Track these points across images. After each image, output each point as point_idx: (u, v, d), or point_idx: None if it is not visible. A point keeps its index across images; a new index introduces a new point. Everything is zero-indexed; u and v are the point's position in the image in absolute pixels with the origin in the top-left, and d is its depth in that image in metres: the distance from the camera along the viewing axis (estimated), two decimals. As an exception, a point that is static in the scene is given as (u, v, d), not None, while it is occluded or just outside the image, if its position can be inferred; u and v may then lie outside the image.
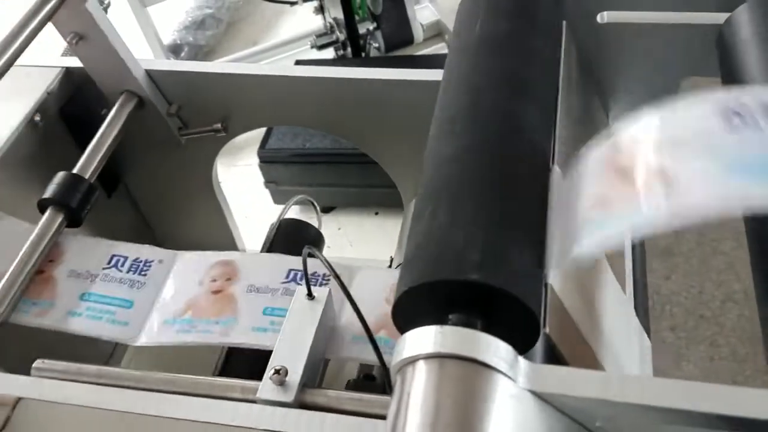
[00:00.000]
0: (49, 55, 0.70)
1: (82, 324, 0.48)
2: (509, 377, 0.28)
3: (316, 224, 0.70)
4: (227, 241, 0.82)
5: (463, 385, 0.27)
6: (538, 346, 0.36)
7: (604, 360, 0.38)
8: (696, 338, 1.05)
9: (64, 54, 0.69)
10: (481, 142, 0.35)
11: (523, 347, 0.32)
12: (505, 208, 0.33)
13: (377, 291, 0.47)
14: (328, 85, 0.61)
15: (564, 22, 0.49)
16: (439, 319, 0.31)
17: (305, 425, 0.36)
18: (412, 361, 0.29)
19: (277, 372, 0.39)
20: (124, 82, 0.63)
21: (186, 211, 0.80)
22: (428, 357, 0.28)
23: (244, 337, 0.45)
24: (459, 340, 0.28)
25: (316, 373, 0.42)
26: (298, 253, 0.52)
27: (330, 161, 0.90)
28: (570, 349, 0.34)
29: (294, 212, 1.00)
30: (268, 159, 0.93)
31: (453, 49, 0.44)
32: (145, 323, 0.47)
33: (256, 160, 0.97)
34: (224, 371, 0.52)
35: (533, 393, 0.28)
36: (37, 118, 0.62)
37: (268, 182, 0.96)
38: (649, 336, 0.49)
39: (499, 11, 0.43)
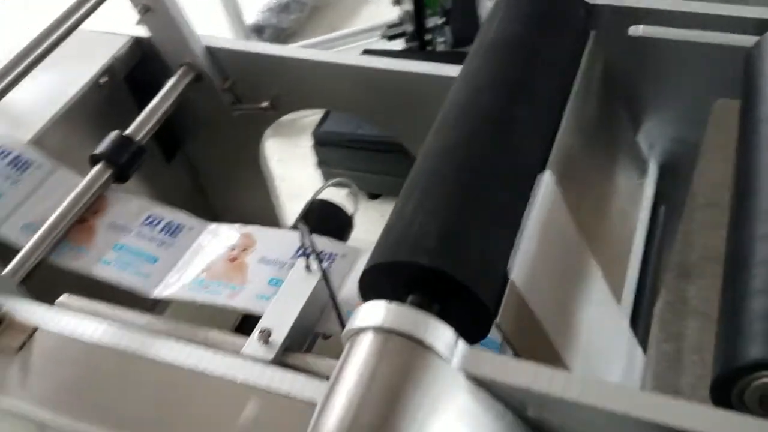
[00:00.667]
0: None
1: (109, 271, 0.52)
2: (443, 358, 0.30)
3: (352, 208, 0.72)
4: (270, 215, 0.86)
5: (399, 359, 0.29)
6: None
7: (572, 362, 0.39)
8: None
9: (138, 23, 0.74)
10: (466, 139, 0.37)
11: (477, 335, 0.34)
12: (473, 203, 0.34)
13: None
14: (370, 74, 0.63)
15: (592, 32, 0.50)
16: (398, 300, 0.33)
17: (278, 382, 0.39)
18: (360, 331, 0.31)
19: (262, 332, 0.41)
20: (184, 54, 0.68)
21: (235, 183, 0.84)
22: (373, 329, 0.30)
23: (248, 302, 0.48)
24: (401, 317, 0.30)
25: (303, 340, 0.45)
26: (323, 233, 0.55)
27: (379, 149, 0.92)
28: (527, 344, 0.35)
29: (341, 196, 1.03)
30: (321, 141, 0.96)
31: (471, 50, 0.45)
32: (164, 278, 0.52)
33: (312, 142, 1.00)
34: (239, 330, 0.56)
35: (467, 376, 0.30)
36: (103, 80, 0.68)
37: (320, 163, 1.00)
38: (645, 349, 0.49)
39: (518, 16, 0.44)
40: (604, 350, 0.43)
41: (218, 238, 0.54)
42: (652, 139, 0.57)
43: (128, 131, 0.62)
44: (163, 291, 0.51)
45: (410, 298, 0.33)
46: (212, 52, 0.69)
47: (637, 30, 0.50)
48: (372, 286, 0.35)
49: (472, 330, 0.33)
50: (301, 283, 0.45)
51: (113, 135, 0.61)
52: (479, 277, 0.32)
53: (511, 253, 0.35)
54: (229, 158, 0.81)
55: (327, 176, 1.01)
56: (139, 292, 0.51)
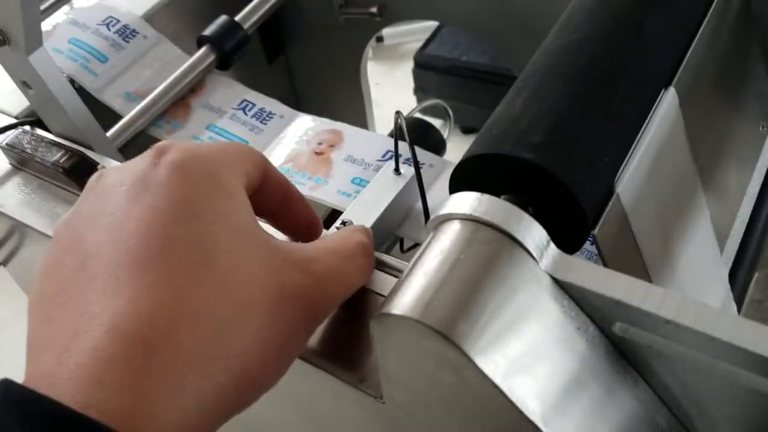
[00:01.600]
0: None
1: (201, 148, 0.53)
2: (533, 257, 0.28)
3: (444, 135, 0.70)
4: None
5: (486, 249, 0.28)
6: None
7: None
8: None
9: None
10: (592, 38, 0.34)
11: (570, 245, 0.32)
12: (590, 106, 0.32)
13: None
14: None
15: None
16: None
17: (352, 273, 0.38)
18: (447, 218, 0.29)
19: (343, 223, 0.41)
20: (299, -52, 0.67)
21: (332, 96, 0.84)
22: (461, 217, 0.29)
23: (329, 196, 0.48)
24: (493, 208, 0.28)
25: (382, 241, 0.44)
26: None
27: (482, 79, 0.89)
28: (620, 265, 0.33)
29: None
30: (422, 64, 0.94)
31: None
32: (252, 161, 0.52)
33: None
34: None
35: (555, 280, 0.28)
36: (217, -33, 0.67)
37: (418, 89, 0.98)
38: (739, 309, 0.46)
39: None
40: (699, 295, 0.40)
41: (307, 131, 0.53)
42: (786, 90, 0.52)
43: (237, 18, 0.62)
44: (250, 174, 0.51)
45: (505, 196, 0.31)
46: (327, -51, 0.67)
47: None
48: (464, 181, 0.33)
49: (566, 239, 0.31)
50: (388, 183, 0.44)
51: (222, 19, 0.61)
52: (584, 183, 0.30)
53: (621, 167, 0.32)
54: (329, 68, 0.80)
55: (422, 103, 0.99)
56: (227, 174, 0.51)
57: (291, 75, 0.85)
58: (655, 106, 0.34)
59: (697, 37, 0.38)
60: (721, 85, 0.44)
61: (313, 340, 0.34)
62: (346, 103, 0.83)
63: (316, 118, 0.55)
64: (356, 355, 0.33)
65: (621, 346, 0.29)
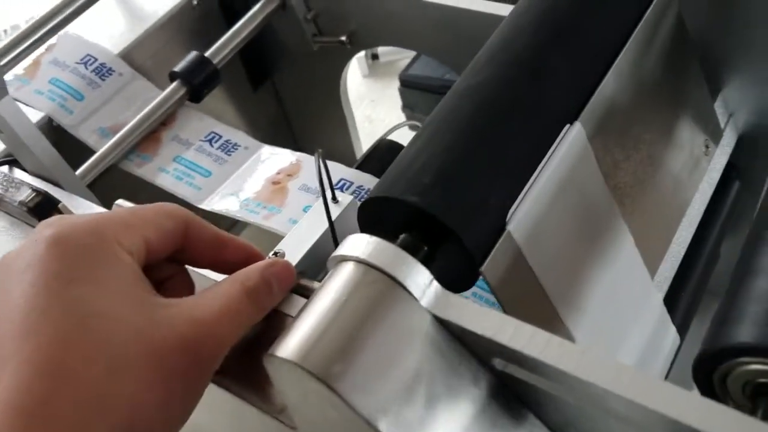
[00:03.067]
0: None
1: (166, 180, 0.55)
2: (414, 297, 0.29)
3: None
4: (348, 151, 0.87)
5: (372, 290, 0.29)
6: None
7: (576, 328, 0.37)
8: None
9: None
10: (491, 81, 0.36)
11: (463, 283, 0.34)
12: (483, 147, 0.33)
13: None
14: (441, 12, 0.62)
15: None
16: (390, 237, 0.33)
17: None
18: (342, 259, 0.31)
19: (275, 254, 0.43)
20: (270, -20, 0.69)
21: (316, 117, 0.86)
22: (354, 259, 0.30)
23: (281, 224, 0.50)
24: (380, 253, 0.30)
25: (319, 269, 0.45)
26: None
27: (464, 97, 0.91)
28: (519, 301, 0.34)
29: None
30: (407, 83, 0.95)
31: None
32: (213, 192, 0.54)
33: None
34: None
35: (435, 317, 0.30)
36: (195, 1, 0.70)
37: (405, 107, 0.99)
38: (683, 334, 0.47)
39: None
40: (623, 322, 0.41)
41: (268, 161, 0.55)
42: (733, 107, 0.52)
43: (208, 53, 0.65)
44: (209, 204, 0.53)
45: (402, 236, 0.33)
46: (297, -19, 0.70)
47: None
48: (370, 220, 0.35)
49: (460, 277, 0.33)
50: (324, 213, 0.46)
51: (192, 55, 0.63)
52: (469, 223, 0.32)
53: (515, 204, 0.34)
54: (310, 91, 0.82)
55: (410, 120, 1.01)
56: (189, 202, 0.54)
57: (279, 100, 0.88)
58: (557, 143, 0.36)
59: (612, 69, 0.39)
60: (654, 111, 0.45)
61: (235, 368, 0.36)
62: (333, 124, 0.85)
63: (278, 148, 0.57)
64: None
65: (504, 379, 0.30)
